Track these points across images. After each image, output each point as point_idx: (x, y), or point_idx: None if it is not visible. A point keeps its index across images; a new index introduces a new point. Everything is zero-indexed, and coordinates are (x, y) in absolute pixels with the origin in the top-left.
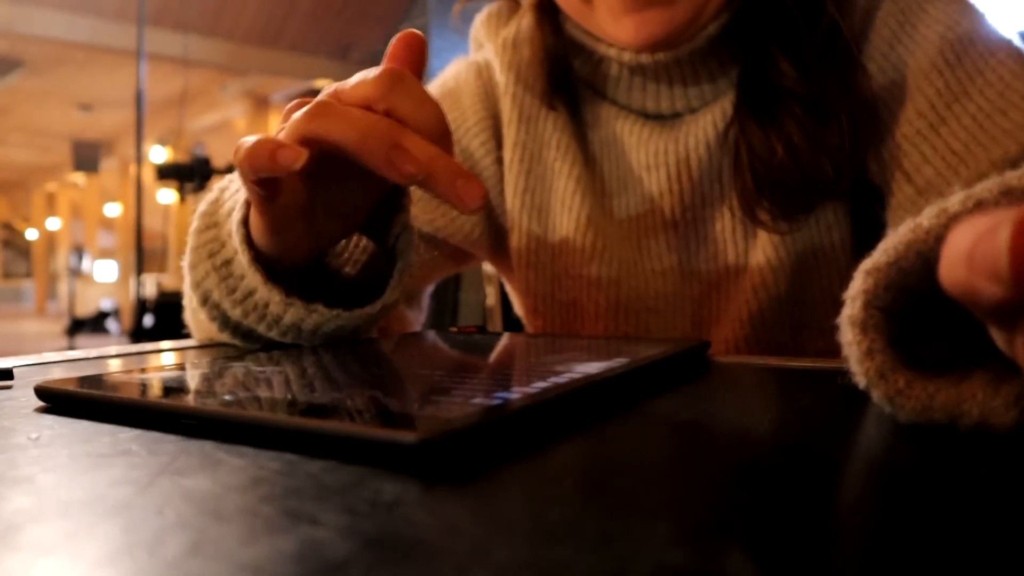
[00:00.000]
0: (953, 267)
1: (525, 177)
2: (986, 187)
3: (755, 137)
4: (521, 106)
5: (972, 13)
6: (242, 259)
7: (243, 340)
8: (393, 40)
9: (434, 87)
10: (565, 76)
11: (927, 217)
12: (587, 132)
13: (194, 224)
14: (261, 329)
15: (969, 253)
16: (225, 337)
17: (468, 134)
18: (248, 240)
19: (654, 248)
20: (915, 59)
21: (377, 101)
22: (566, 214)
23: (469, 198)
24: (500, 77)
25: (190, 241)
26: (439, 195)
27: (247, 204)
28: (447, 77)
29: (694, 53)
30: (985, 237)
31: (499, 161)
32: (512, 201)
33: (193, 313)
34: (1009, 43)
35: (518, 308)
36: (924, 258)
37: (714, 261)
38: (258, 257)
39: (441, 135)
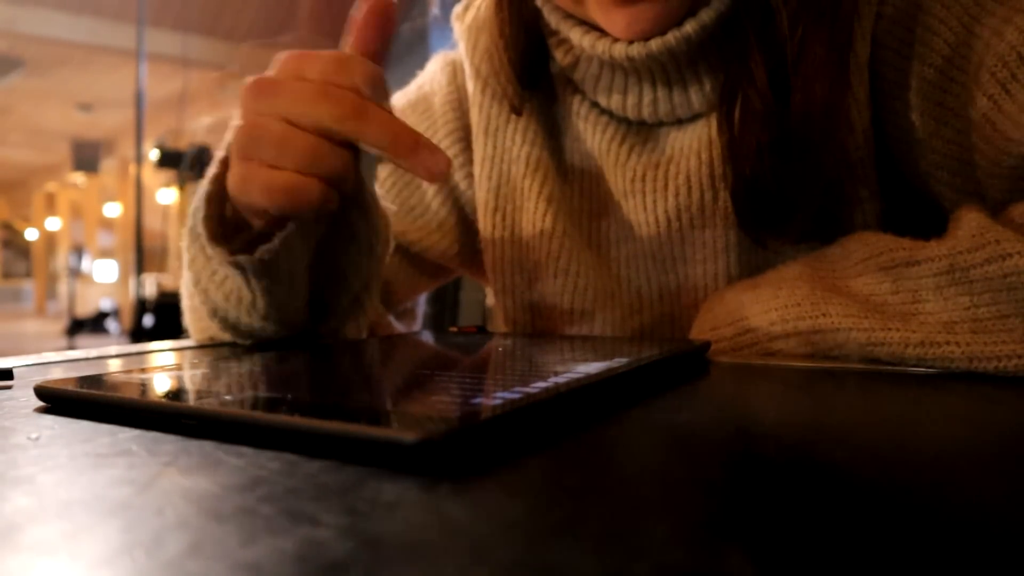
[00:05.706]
0: None
1: (494, 196)
2: None
3: (733, 165)
4: (488, 116)
5: None
6: (200, 226)
7: (232, 333)
8: (363, 8)
9: (411, 88)
10: (538, 68)
11: None
12: (562, 143)
13: (192, 205)
14: (234, 313)
15: None
16: (215, 328)
17: (440, 147)
18: (216, 204)
19: (633, 281)
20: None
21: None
22: (538, 237)
23: (436, 169)
24: (469, 81)
25: (187, 221)
26: (404, 168)
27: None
28: (423, 80)
29: (690, 43)
30: None
31: (471, 176)
32: (483, 222)
33: (190, 308)
34: None
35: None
36: None
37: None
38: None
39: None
